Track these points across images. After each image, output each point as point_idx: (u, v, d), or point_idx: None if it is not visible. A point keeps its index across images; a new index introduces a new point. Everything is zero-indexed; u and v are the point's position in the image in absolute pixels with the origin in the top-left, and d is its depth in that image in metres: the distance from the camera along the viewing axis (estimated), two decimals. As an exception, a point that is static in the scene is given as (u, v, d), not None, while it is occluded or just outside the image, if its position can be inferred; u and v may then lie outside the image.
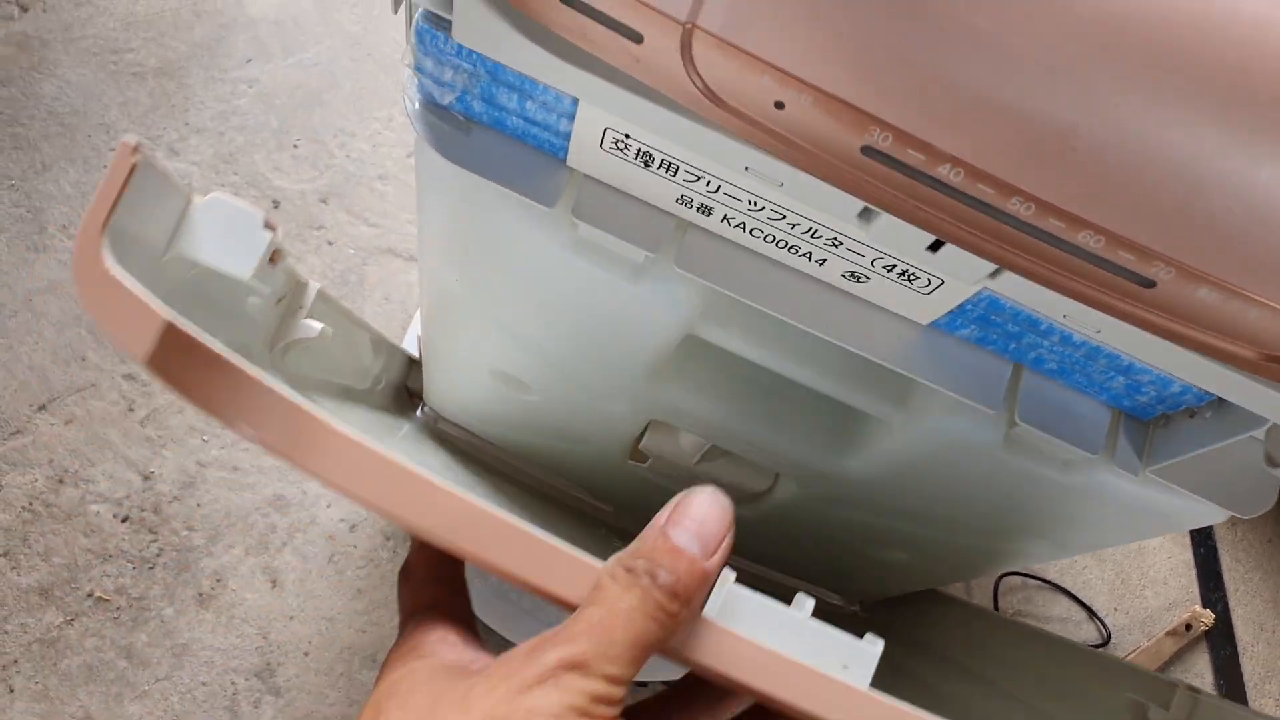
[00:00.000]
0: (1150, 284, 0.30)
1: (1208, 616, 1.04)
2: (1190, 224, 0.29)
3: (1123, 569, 1.07)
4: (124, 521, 0.87)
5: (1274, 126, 0.26)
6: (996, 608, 1.00)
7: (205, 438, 0.91)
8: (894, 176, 0.29)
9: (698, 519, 0.25)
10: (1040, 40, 0.26)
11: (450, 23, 0.30)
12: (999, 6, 0.26)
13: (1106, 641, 1.02)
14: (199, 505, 0.89)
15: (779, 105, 0.28)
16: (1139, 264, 0.29)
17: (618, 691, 0.23)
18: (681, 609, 0.23)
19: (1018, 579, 1.03)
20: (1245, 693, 1.04)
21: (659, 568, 0.23)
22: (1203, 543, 1.10)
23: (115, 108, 1.01)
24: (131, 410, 0.91)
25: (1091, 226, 0.29)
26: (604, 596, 0.23)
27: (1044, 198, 0.28)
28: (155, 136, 1.00)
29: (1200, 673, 1.04)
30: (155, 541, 0.87)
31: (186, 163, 1.00)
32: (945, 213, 0.29)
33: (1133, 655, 1.01)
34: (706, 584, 0.24)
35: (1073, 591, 1.04)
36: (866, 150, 0.29)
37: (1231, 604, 1.08)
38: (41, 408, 0.89)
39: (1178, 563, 1.09)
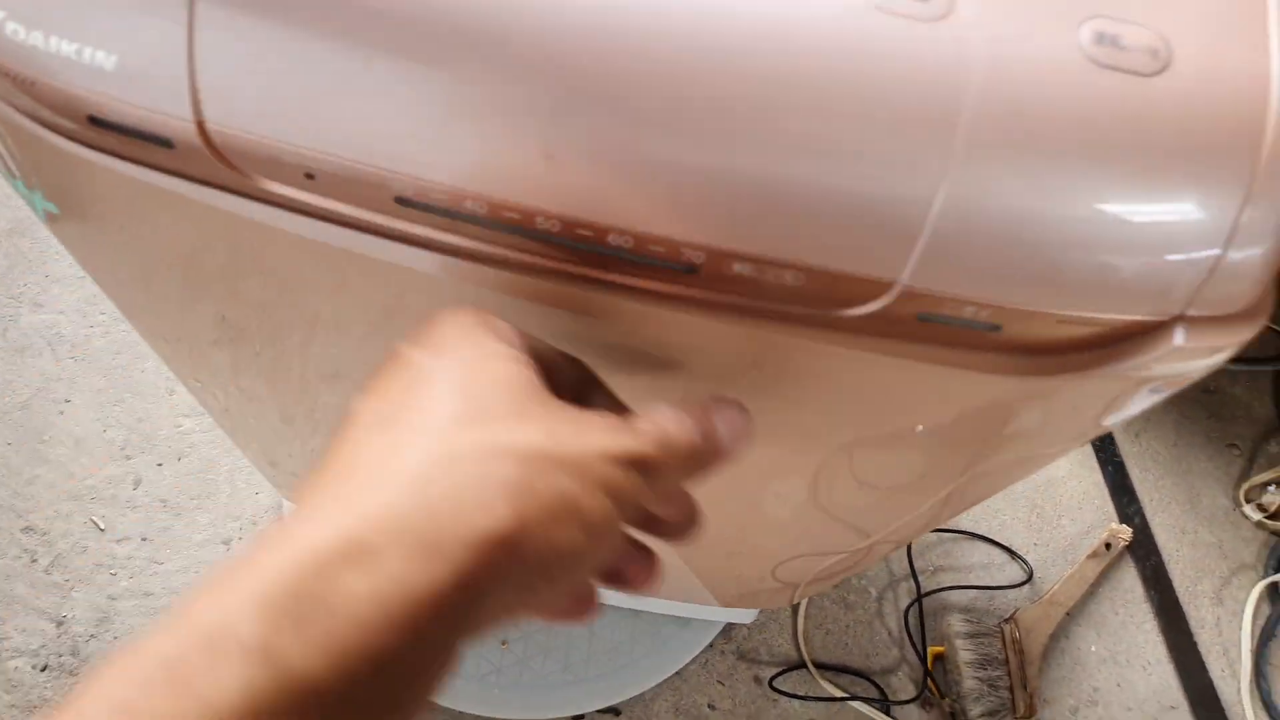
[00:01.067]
0: (693, 269, 0.33)
1: (1125, 532, 1.06)
2: (715, 211, 0.32)
3: (1035, 503, 1.09)
4: (43, 670, 0.89)
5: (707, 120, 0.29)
6: (913, 568, 1.01)
7: (113, 571, 0.94)
8: (431, 218, 0.32)
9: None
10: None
11: None
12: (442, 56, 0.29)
13: (1029, 578, 1.04)
14: (116, 638, 0.91)
15: (309, 175, 0.32)
16: (672, 255, 0.32)
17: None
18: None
19: (931, 535, 1.05)
20: (1178, 598, 1.06)
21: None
22: (1109, 460, 1.12)
23: (-24, 275, 1.05)
24: (34, 561, 0.93)
25: (615, 230, 0.32)
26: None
27: (567, 214, 0.31)
28: (18, 294, 1.04)
29: (1130, 588, 1.06)
30: (77, 683, 0.89)
31: (53, 313, 1.04)
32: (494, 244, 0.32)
33: (1057, 585, 1.03)
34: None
35: (989, 536, 1.06)
36: (399, 200, 0.32)
37: (1149, 514, 1.10)
38: (-52, 577, 0.92)
39: (1088, 485, 1.11)
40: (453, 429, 0.25)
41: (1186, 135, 0.30)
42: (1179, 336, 0.33)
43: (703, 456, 0.30)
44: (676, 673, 0.93)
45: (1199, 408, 1.16)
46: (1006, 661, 0.97)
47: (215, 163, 0.31)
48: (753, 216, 0.32)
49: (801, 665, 0.95)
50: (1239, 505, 1.11)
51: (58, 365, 1.01)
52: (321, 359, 0.50)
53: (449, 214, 0.32)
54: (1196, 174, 0.31)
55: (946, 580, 1.02)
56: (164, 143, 0.31)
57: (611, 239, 0.32)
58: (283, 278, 0.41)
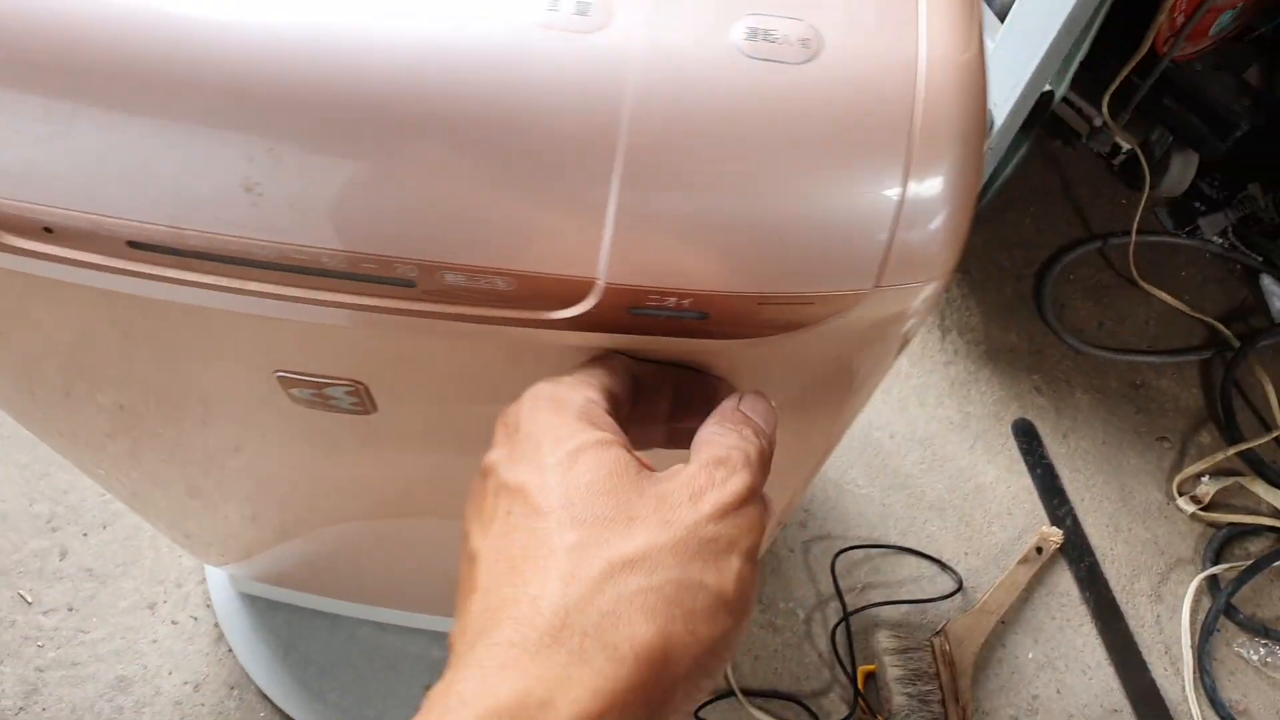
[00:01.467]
0: (410, 283, 0.35)
1: (1056, 534, 1.06)
2: (419, 227, 0.33)
3: (964, 512, 1.09)
4: (-30, 746, 0.89)
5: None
6: (836, 586, 1.01)
7: (40, 644, 0.94)
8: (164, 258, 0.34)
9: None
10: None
11: None
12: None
13: (960, 588, 1.03)
14: (44, 710, 0.91)
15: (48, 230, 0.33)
16: (387, 271, 0.34)
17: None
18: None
19: (858, 552, 1.05)
20: (1114, 597, 1.05)
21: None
22: (1037, 463, 1.12)
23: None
24: (-38, 638, 0.94)
25: (328, 252, 0.34)
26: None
27: (281, 241, 0.33)
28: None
29: (1065, 591, 1.06)
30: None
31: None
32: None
33: (988, 593, 1.02)
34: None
35: (918, 549, 1.06)
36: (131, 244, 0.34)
37: (1080, 515, 1.10)
38: (-124, 660, 0.92)
39: (1018, 490, 1.11)
40: (576, 559, 0.26)
41: (840, 118, 0.32)
42: (873, 303, 0.34)
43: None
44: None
45: (1126, 403, 1.16)
46: (937, 675, 0.96)
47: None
48: (454, 229, 0.33)
49: (730, 694, 0.95)
50: (1172, 499, 1.11)
51: (-18, 446, 1.03)
52: (220, 434, 0.52)
53: (176, 252, 0.34)
54: (855, 154, 0.32)
55: (876, 596, 1.02)
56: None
57: (325, 261, 0.34)
58: (143, 348, 0.43)
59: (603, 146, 0.31)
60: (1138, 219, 1.19)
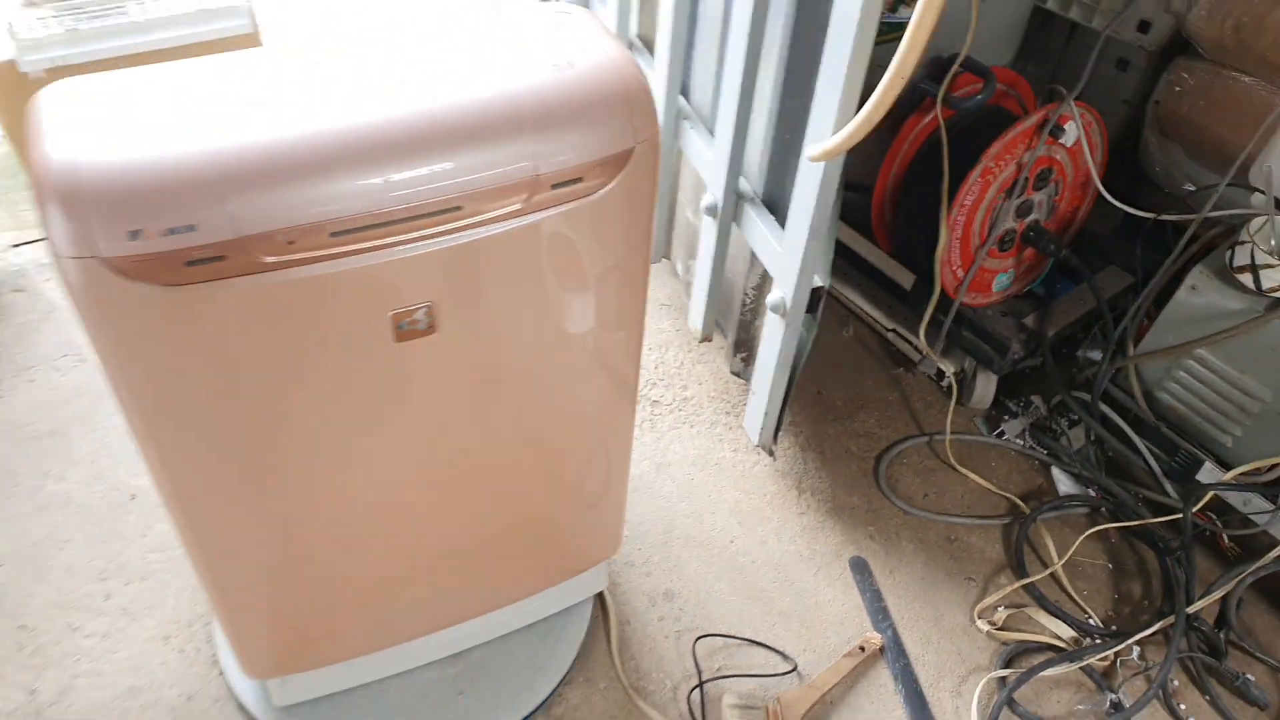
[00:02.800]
0: (457, 209, 0.76)
1: (877, 639, 1.35)
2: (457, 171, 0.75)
3: (806, 620, 1.38)
4: (12, 723, 1.16)
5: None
6: (696, 663, 1.29)
7: (77, 659, 1.23)
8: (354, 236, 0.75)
9: None
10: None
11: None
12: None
13: (795, 669, 1.31)
14: (70, 705, 1.19)
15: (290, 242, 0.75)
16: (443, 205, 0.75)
17: None
18: None
19: (718, 640, 1.34)
20: (923, 691, 1.32)
21: None
22: (867, 588, 1.43)
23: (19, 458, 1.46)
24: (21, 649, 1.24)
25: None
26: None
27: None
28: (45, 472, 1.44)
29: (883, 684, 1.32)
30: (35, 734, 1.16)
31: (69, 484, 1.42)
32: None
33: (818, 674, 1.30)
34: None
35: (766, 642, 1.34)
36: (333, 234, 0.75)
37: (900, 629, 1.39)
38: (-47, 661, 1.22)
39: (850, 607, 1.41)
40: None
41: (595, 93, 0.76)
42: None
43: None
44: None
45: (942, 552, 1.48)
46: (770, 728, 1.22)
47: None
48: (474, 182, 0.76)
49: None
50: (974, 621, 1.40)
51: (66, 517, 1.38)
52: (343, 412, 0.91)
53: (359, 230, 0.75)
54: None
55: (729, 673, 1.30)
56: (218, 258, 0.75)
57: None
58: (302, 333, 0.83)
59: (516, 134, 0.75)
60: (949, 420, 1.59)
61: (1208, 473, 1.46)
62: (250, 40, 2.15)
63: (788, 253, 1.24)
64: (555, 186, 0.82)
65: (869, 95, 0.96)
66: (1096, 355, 1.61)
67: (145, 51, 2.01)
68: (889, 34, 1.55)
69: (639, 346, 1.04)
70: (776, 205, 1.36)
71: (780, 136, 1.31)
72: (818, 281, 1.26)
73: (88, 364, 1.61)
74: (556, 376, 1.00)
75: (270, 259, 0.74)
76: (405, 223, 0.77)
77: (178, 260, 0.72)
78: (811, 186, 1.15)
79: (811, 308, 1.28)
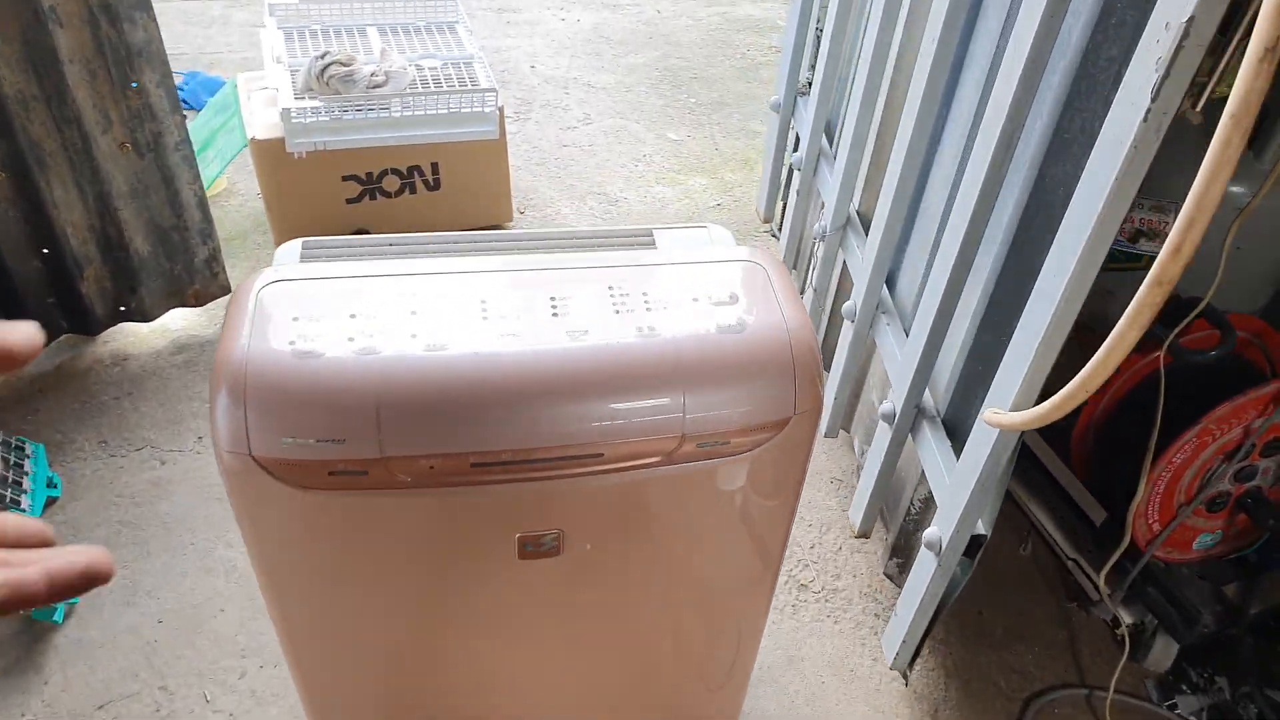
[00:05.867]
0: (599, 455, 0.77)
1: None
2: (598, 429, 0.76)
3: None
4: (132, 785, 1.25)
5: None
6: None
7: (203, 732, 1.31)
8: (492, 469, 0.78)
9: None
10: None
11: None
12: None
13: None
14: (186, 779, 1.26)
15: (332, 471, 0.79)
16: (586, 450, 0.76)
17: None
18: None
19: None
20: None
21: None
22: None
23: (200, 518, 1.58)
24: (158, 711, 1.33)
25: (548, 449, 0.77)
26: None
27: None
28: (219, 536, 1.55)
29: None
30: (149, 801, 1.23)
31: (236, 551, 1.53)
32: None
33: None
34: None
35: None
36: (474, 465, 0.78)
37: None
38: (100, 707, 1.32)
39: None
40: None
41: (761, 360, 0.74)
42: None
43: None
44: None
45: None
46: None
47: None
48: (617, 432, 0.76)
49: None
50: None
51: (227, 585, 1.48)
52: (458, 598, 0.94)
53: (500, 464, 0.77)
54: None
55: None
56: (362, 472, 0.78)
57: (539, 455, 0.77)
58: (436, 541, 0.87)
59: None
60: (1115, 678, 1.43)
61: None
62: (496, 148, 2.29)
63: (954, 490, 1.16)
64: (701, 445, 0.80)
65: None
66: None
67: (397, 146, 2.18)
68: (1127, 263, 1.45)
69: (774, 578, 1.00)
70: (956, 431, 1.28)
71: (973, 363, 1.24)
72: (980, 529, 1.17)
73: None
74: (680, 604, 0.97)
75: (409, 478, 0.76)
76: (545, 462, 0.78)
77: (323, 469, 0.75)
78: (992, 432, 1.08)
79: (969, 553, 1.19)
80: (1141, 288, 0.73)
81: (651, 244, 1.02)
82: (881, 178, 1.61)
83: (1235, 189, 1.35)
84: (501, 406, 0.76)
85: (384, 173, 2.15)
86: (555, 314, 0.81)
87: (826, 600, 1.58)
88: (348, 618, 0.89)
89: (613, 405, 0.77)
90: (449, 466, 0.76)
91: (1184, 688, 1.50)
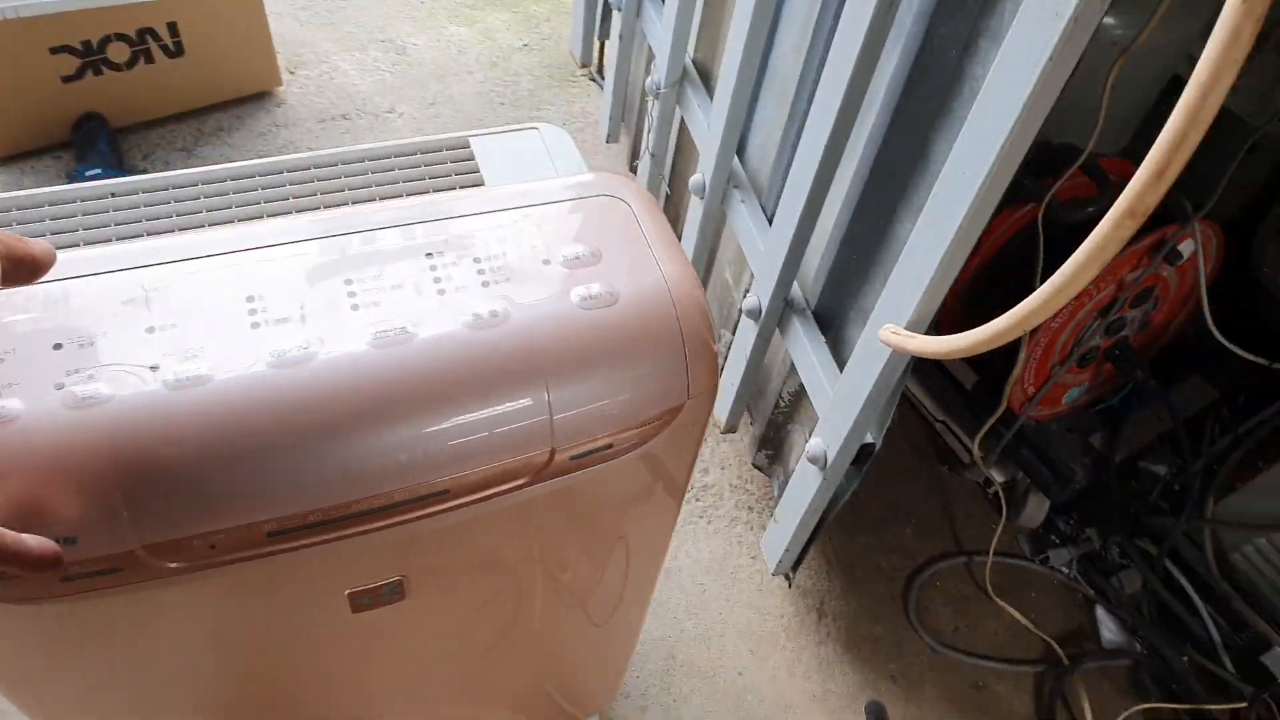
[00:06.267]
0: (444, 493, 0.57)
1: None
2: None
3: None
4: None
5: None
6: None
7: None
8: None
9: None
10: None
11: None
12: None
13: None
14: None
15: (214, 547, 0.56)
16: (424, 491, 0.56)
17: None
18: None
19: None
20: None
21: None
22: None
23: None
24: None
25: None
26: None
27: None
28: None
29: None
30: None
31: None
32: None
33: None
34: None
35: (766, 808, 1.20)
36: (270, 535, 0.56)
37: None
38: None
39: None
40: None
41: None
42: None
43: None
44: None
45: (967, 701, 1.34)
46: None
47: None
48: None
49: None
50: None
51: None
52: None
53: (305, 528, 0.56)
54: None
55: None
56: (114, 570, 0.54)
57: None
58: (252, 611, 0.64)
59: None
60: (994, 542, 1.41)
61: (1275, 657, 1.29)
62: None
63: (840, 403, 1.04)
64: (575, 458, 0.62)
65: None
66: (1161, 470, 1.43)
67: (120, 4, 1.74)
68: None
69: (659, 567, 0.87)
70: (829, 325, 1.15)
71: (846, 251, 1.09)
72: (869, 438, 1.06)
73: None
74: (558, 610, 0.82)
75: (184, 564, 0.55)
76: (372, 514, 0.58)
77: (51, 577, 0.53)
78: (884, 348, 0.95)
79: (858, 461, 1.09)
80: (1109, 219, 0.59)
81: (471, 161, 0.79)
82: (721, 20, 1.39)
83: (1109, 21, 1.22)
84: (295, 453, 0.54)
85: (106, 39, 1.72)
86: (355, 306, 0.59)
87: (697, 499, 1.48)
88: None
89: (452, 426, 0.58)
90: (236, 542, 0.55)
91: (1055, 539, 1.51)
